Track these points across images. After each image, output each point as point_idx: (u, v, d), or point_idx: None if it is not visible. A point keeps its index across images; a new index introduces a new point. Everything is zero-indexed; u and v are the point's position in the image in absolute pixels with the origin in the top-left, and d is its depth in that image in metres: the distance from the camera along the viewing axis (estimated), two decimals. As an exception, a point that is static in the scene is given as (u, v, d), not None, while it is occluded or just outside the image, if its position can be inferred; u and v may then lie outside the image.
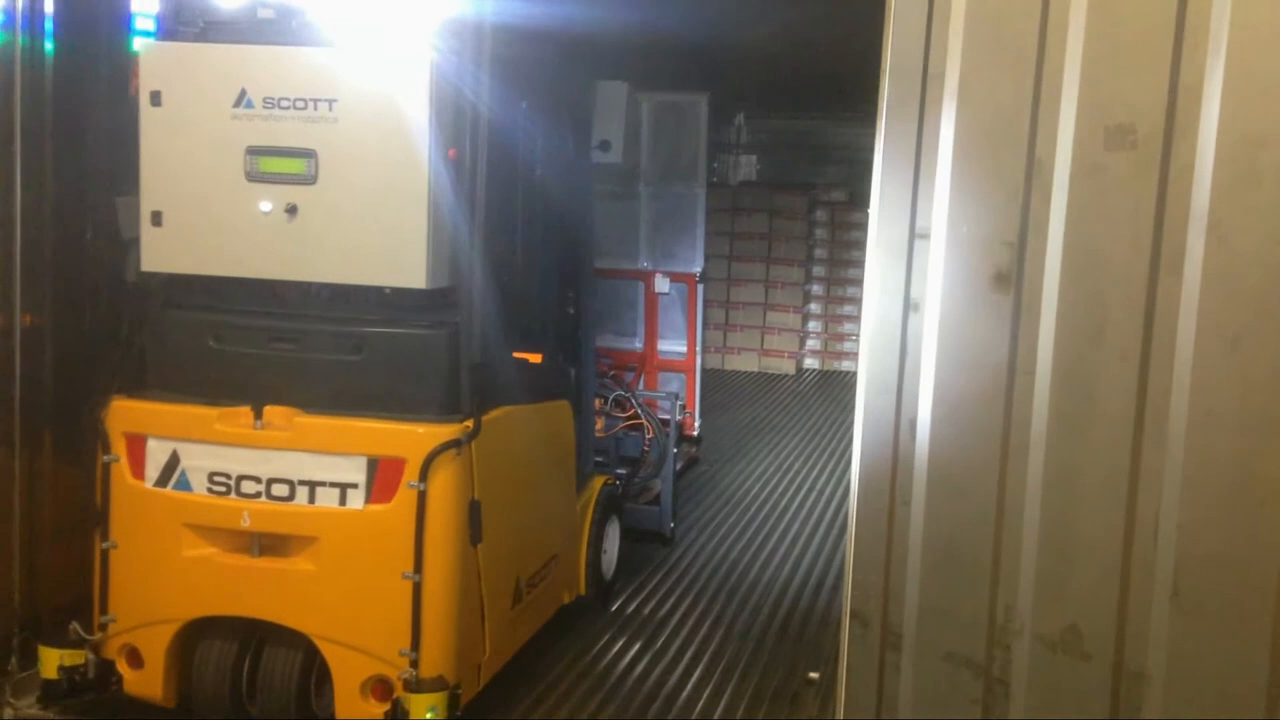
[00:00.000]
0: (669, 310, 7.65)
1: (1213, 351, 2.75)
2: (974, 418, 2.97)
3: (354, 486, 3.88)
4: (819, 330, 12.96)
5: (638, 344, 7.65)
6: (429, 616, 3.89)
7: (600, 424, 5.96)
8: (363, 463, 3.89)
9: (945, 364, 2.98)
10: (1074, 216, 2.82)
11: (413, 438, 3.87)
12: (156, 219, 4.05)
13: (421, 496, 3.82)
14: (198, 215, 4.05)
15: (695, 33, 7.33)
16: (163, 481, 4.05)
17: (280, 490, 3.94)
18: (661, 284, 7.46)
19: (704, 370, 12.29)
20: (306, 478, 3.91)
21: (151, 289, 4.25)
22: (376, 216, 3.91)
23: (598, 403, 5.91)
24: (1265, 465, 2.73)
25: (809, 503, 7.68)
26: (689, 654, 5.15)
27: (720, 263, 12.60)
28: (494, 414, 4.15)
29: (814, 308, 12.94)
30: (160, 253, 4.10)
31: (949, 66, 2.92)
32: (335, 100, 3.86)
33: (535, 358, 4.68)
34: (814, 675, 4.90)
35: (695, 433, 7.95)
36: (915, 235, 3.01)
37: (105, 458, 4.08)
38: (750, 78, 10.07)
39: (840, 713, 3.28)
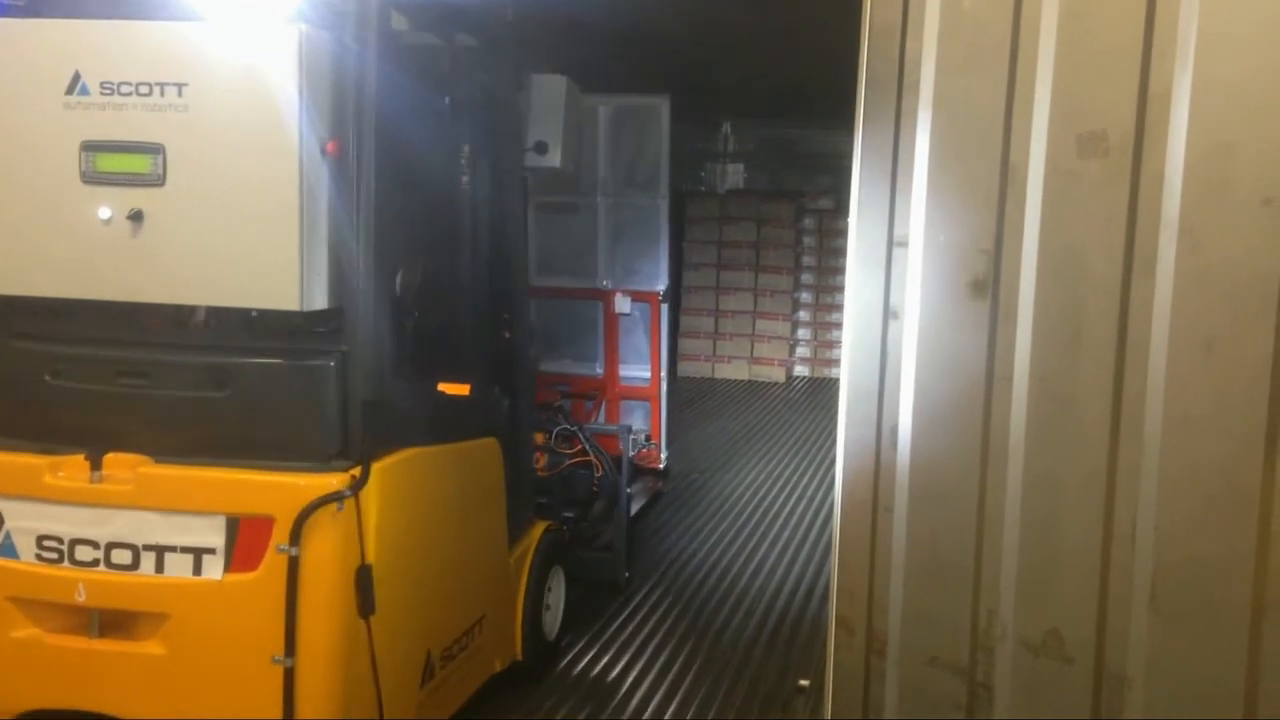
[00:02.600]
0: (631, 332, 6.90)
1: (1187, 356, 2.72)
2: (954, 424, 2.94)
3: (210, 552, 3.18)
4: (808, 338, 12.58)
5: (598, 369, 6.92)
6: (305, 709, 3.16)
7: (543, 461, 5.21)
8: (220, 523, 3.18)
9: (925, 371, 2.96)
10: (1048, 223, 2.81)
11: (281, 491, 3.15)
12: None
13: (293, 563, 3.11)
14: (27, 225, 3.31)
15: (672, 35, 6.84)
16: None
17: (121, 557, 3.22)
18: (622, 304, 6.70)
19: (695, 379, 12.75)
20: (153, 541, 3.20)
21: None
22: (238, 224, 3.20)
23: (540, 437, 5.20)
24: (1241, 469, 2.70)
25: (799, 510, 7.43)
26: (671, 671, 4.87)
27: (709, 271, 12.34)
28: (391, 459, 3.41)
29: (803, 315, 12.55)
30: None
31: (924, 75, 2.90)
32: (185, 84, 3.16)
33: (462, 389, 3.98)
34: (804, 683, 4.89)
35: (662, 465, 7.15)
36: (894, 243, 2.99)
37: None
38: (735, 85, 10.11)
39: (828, 717, 3.30)
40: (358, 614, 3.24)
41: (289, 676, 3.14)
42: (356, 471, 3.24)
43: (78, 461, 3.27)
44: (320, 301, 3.25)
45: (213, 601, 3.20)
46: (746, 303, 12.31)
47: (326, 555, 3.18)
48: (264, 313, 3.28)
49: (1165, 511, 2.77)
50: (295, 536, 3.11)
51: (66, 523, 3.25)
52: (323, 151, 3.20)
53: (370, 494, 3.27)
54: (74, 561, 3.25)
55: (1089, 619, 2.87)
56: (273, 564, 3.14)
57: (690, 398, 11.19)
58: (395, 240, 3.59)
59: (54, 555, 3.25)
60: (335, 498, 3.15)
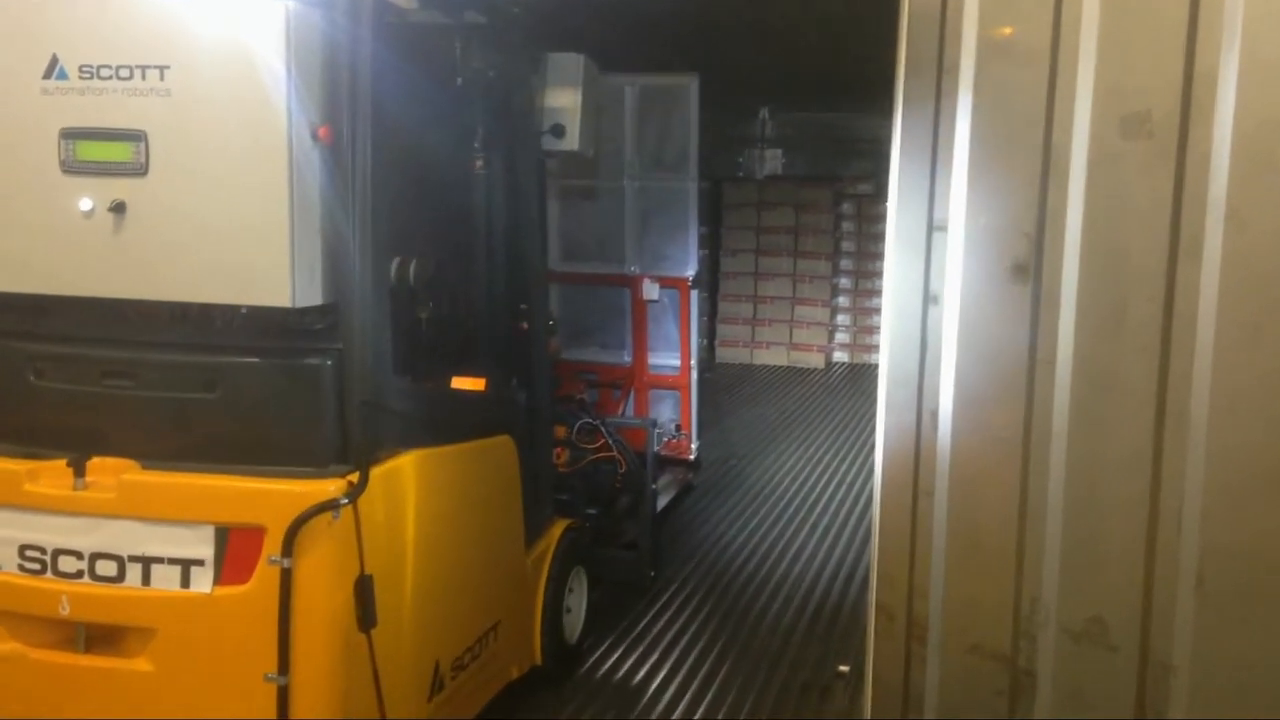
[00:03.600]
0: (660, 320, 6.61)
1: (1233, 339, 2.67)
2: (995, 408, 2.88)
3: (199, 564, 2.97)
4: (847, 323, 12.36)
5: (627, 358, 6.62)
6: None
7: (564, 457, 4.98)
8: (209, 533, 2.96)
9: (965, 356, 2.90)
10: (1091, 206, 2.75)
11: (272, 500, 2.93)
12: None
13: (286, 575, 2.88)
14: (7, 219, 3.12)
15: (706, 19, 6.55)
16: None
17: (106, 569, 3.01)
18: (650, 290, 6.42)
19: (733, 365, 12.72)
20: (139, 552, 2.99)
21: None
22: (225, 216, 2.98)
23: (561, 431, 4.96)
24: (1290, 453, 2.71)
25: (838, 495, 7.29)
26: (704, 665, 4.74)
27: (747, 257, 12.16)
28: (394, 462, 3.21)
29: (842, 301, 12.33)
30: None
31: (964, 58, 2.83)
32: (167, 66, 2.94)
33: (477, 384, 3.77)
34: (844, 669, 4.87)
35: (692, 456, 6.88)
36: (933, 227, 2.92)
37: None
38: (772, 70, 10.03)
39: (868, 706, 3.28)
40: (357, 627, 3.01)
41: (283, 696, 2.91)
42: (354, 477, 3.00)
43: (60, 467, 3.03)
44: (314, 297, 3.03)
45: (202, 616, 2.98)
46: (785, 289, 12.16)
47: (322, 567, 2.95)
48: (255, 309, 3.04)
49: (1211, 496, 2.72)
50: (288, 547, 2.89)
51: (48, 532, 3.05)
52: (314, 137, 2.97)
53: (371, 500, 3.04)
54: (57, 573, 3.04)
55: (1133, 606, 2.82)
56: (265, 576, 2.92)
57: (729, 384, 11.01)
58: (398, 230, 3.40)
59: (36, 566, 3.05)
60: (330, 506, 2.92)
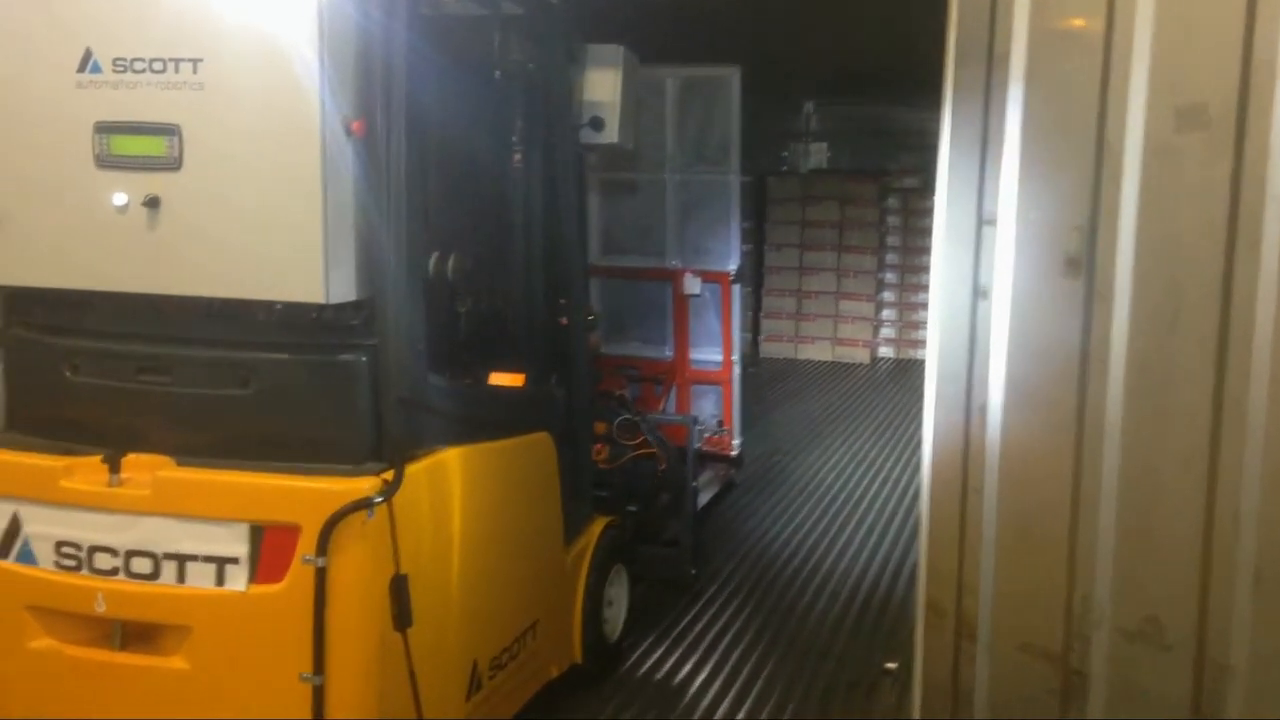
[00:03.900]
0: (702, 314, 6.52)
1: None
2: (1046, 405, 2.87)
3: (234, 562, 2.94)
4: (893, 318, 12.21)
5: (668, 352, 6.54)
6: None
7: (604, 453, 4.91)
8: (243, 531, 2.93)
9: (1016, 351, 2.89)
10: (1146, 199, 2.72)
11: (306, 498, 2.90)
12: None
13: (320, 575, 2.85)
14: (42, 214, 3.09)
15: (749, 10, 6.54)
16: (3, 552, 3.12)
17: (141, 566, 2.99)
18: (691, 284, 6.31)
19: (777, 360, 12.66)
20: (174, 550, 2.96)
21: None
22: (258, 211, 2.95)
23: (601, 427, 4.90)
24: (1350, 450, 2.65)
25: (884, 491, 7.21)
26: (748, 662, 4.68)
27: (791, 252, 12.05)
28: (430, 460, 3.17)
29: (888, 296, 12.19)
30: (1, 262, 3.16)
31: (1015, 48, 2.81)
32: (200, 59, 2.91)
33: (516, 380, 3.76)
34: (891, 665, 4.83)
35: (734, 452, 6.76)
36: (983, 221, 2.89)
37: None
38: (816, 63, 9.98)
39: (917, 703, 3.25)
40: (393, 627, 2.97)
41: (318, 696, 2.88)
42: (389, 475, 2.96)
43: (95, 464, 3.01)
44: (347, 293, 2.99)
45: (237, 615, 2.95)
46: (830, 283, 12.06)
47: (357, 566, 2.91)
48: (289, 305, 3.01)
49: (1270, 494, 2.67)
50: (322, 547, 2.85)
51: (84, 528, 3.03)
52: (347, 131, 2.93)
53: (406, 498, 2.99)
54: (93, 570, 3.02)
55: (1190, 605, 2.78)
56: (299, 575, 2.89)
57: (773, 379, 10.94)
58: (437, 225, 3.37)
59: (72, 563, 3.04)
60: (364, 505, 2.88)
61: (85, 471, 3.04)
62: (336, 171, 2.93)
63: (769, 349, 12.12)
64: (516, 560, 3.72)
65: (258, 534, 2.94)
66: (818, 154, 13.94)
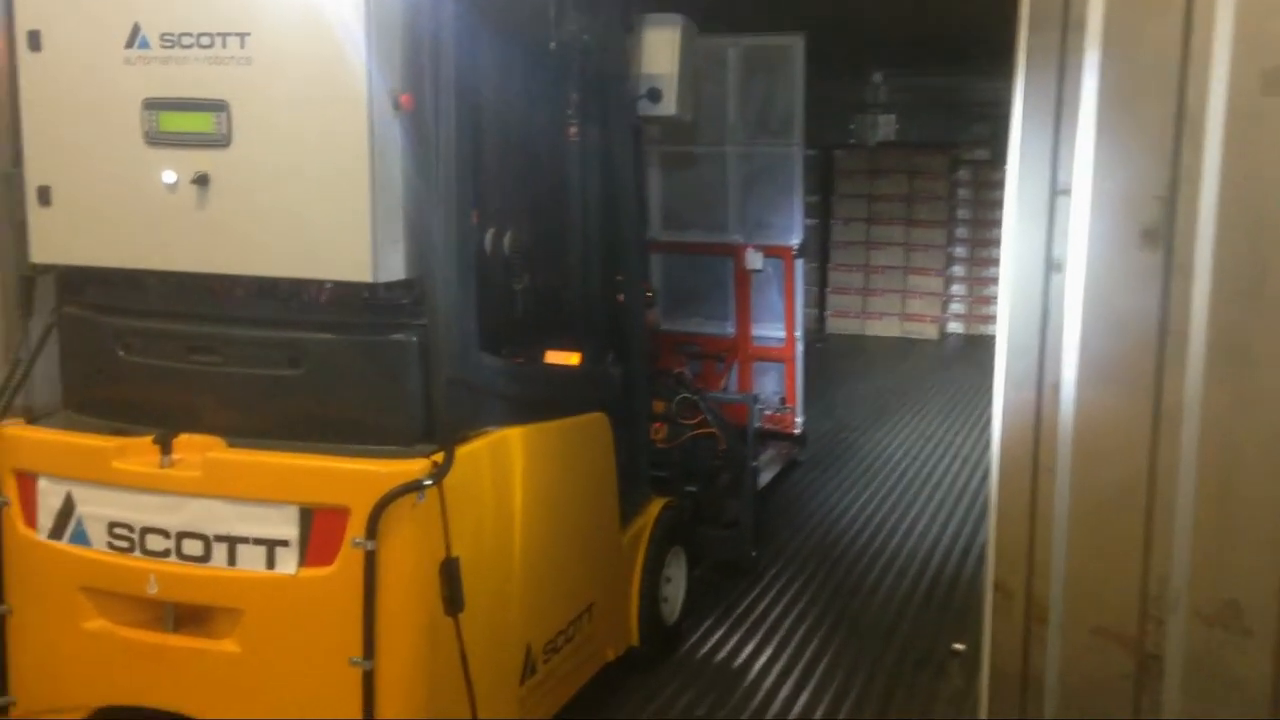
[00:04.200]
0: (764, 290, 6.39)
1: None
2: (1122, 382, 2.78)
3: (284, 544, 2.89)
4: (963, 293, 12.07)
5: (730, 329, 6.43)
6: (387, 713, 2.85)
7: (663, 432, 4.87)
8: (293, 513, 2.89)
9: (1090, 326, 2.80)
10: (1229, 167, 2.61)
11: (356, 480, 2.84)
12: (44, 196, 3.11)
13: (370, 558, 2.79)
14: (92, 192, 3.06)
15: None
16: (57, 533, 3.09)
17: (193, 548, 2.95)
18: (753, 259, 6.17)
19: (844, 336, 12.31)
20: (224, 532, 2.92)
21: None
22: (305, 189, 2.89)
23: (660, 406, 4.84)
24: None
25: (954, 468, 7.12)
26: (812, 641, 4.62)
27: (859, 226, 11.92)
28: (482, 441, 3.11)
29: (957, 270, 12.05)
30: (51, 240, 3.15)
31: (1090, 12, 2.72)
32: (248, 33, 2.86)
33: (571, 359, 3.70)
34: (959, 646, 4.76)
35: (797, 431, 6.66)
36: (1056, 192, 2.80)
37: None
38: (885, 32, 9.81)
39: (984, 687, 3.20)
40: (444, 611, 2.92)
41: (368, 680, 2.84)
42: (439, 457, 2.89)
43: (146, 445, 2.99)
44: (396, 271, 2.93)
45: (287, 597, 2.91)
46: (898, 258, 11.89)
47: (407, 549, 2.85)
48: (339, 284, 2.96)
49: (1357, 472, 2.59)
50: (372, 530, 2.79)
51: (136, 510, 3.00)
52: (395, 105, 2.86)
53: (458, 480, 2.92)
54: (145, 551, 2.99)
55: (1271, 589, 2.69)
56: (349, 558, 2.84)
57: (840, 355, 10.83)
58: (491, 200, 3.31)
59: (125, 544, 3.01)
60: (414, 487, 2.81)
61: (137, 452, 3.02)
62: (384, 147, 2.87)
63: (836, 325, 12.00)
64: (571, 542, 3.66)
65: (307, 516, 2.90)
66: (886, 126, 13.72)
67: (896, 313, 11.94)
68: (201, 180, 2.94)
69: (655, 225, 6.28)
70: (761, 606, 4.98)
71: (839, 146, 12.52)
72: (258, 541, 2.93)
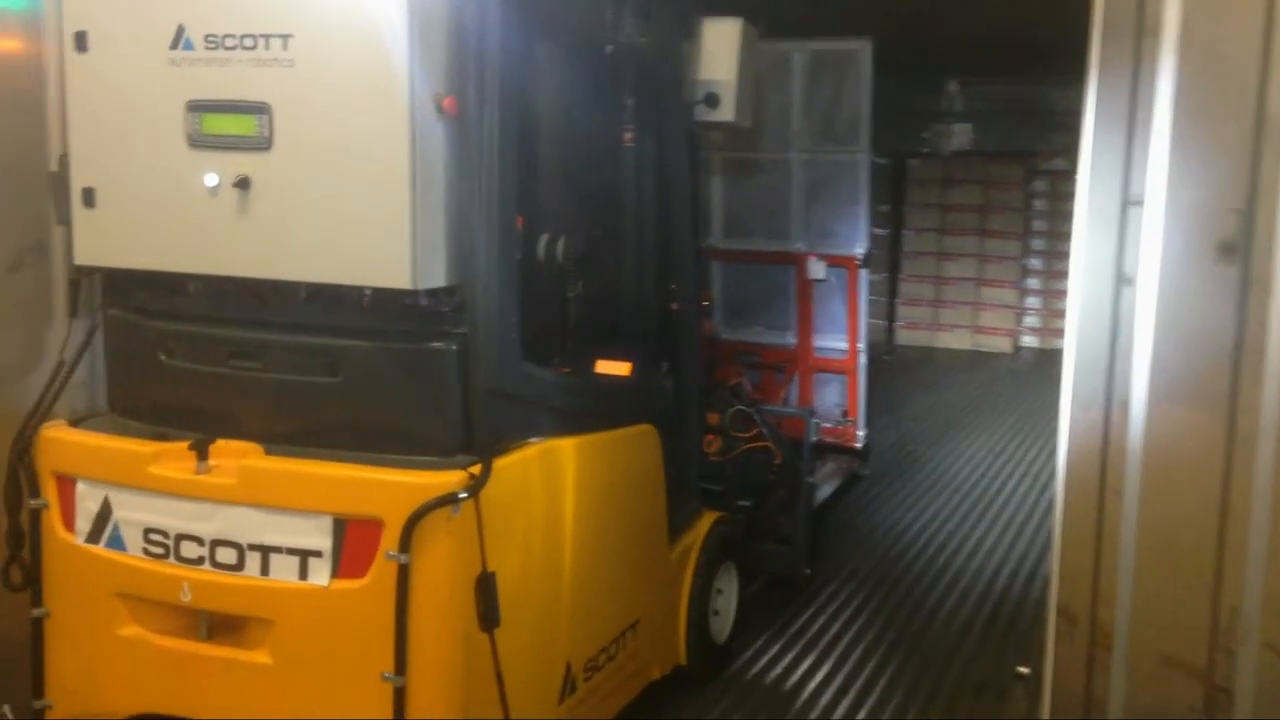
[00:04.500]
0: (827, 300, 6.24)
1: None
2: (1195, 401, 2.71)
3: (317, 555, 2.85)
4: (1037, 306, 11.79)
5: (791, 339, 6.30)
6: None
7: (716, 445, 4.76)
8: (327, 524, 2.84)
9: (1162, 342, 2.72)
10: (1312, 179, 2.56)
11: (390, 492, 2.79)
12: (88, 198, 3.09)
13: (403, 572, 2.73)
14: (135, 194, 3.04)
15: None
16: (94, 537, 3.07)
17: (226, 556, 2.92)
18: (816, 269, 6.04)
19: (913, 348, 12.11)
20: (258, 541, 2.89)
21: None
22: (346, 194, 2.85)
23: (714, 418, 4.74)
24: None
25: (1023, 487, 6.96)
26: (869, 662, 4.51)
27: (930, 236, 11.74)
28: (521, 453, 3.05)
29: (1032, 283, 11.78)
30: (94, 242, 3.13)
31: (1167, 17, 2.65)
32: (290, 35, 2.83)
33: (622, 369, 3.61)
34: (1023, 670, 4.66)
35: (859, 445, 6.46)
36: (1129, 202, 2.73)
37: (33, 503, 3.11)
38: (963, 35, 9.67)
39: (1045, 712, 3.11)
40: (479, 627, 2.84)
41: (399, 697, 2.78)
42: (476, 469, 2.82)
43: (182, 450, 2.96)
44: (437, 278, 2.88)
45: (319, 610, 2.86)
46: (970, 269, 11.67)
47: (441, 563, 2.79)
48: (379, 290, 2.90)
49: None
50: (405, 543, 2.73)
51: (171, 516, 2.97)
52: (438, 109, 2.80)
53: (495, 493, 2.85)
54: (179, 558, 2.96)
55: (1349, 621, 2.61)
56: (382, 571, 2.78)
57: (908, 367, 10.66)
58: (542, 206, 3.26)
59: (160, 550, 2.98)
60: (449, 500, 2.75)
61: (173, 457, 2.99)
62: (426, 151, 2.81)
63: (905, 336, 11.82)
64: (616, 558, 3.57)
65: (341, 527, 2.85)
66: (961, 135, 13.48)
67: (968, 325, 11.74)
68: (243, 183, 2.91)
69: (717, 233, 6.19)
70: (818, 625, 4.87)
71: (913, 155, 12.35)
72: (291, 551, 2.88)
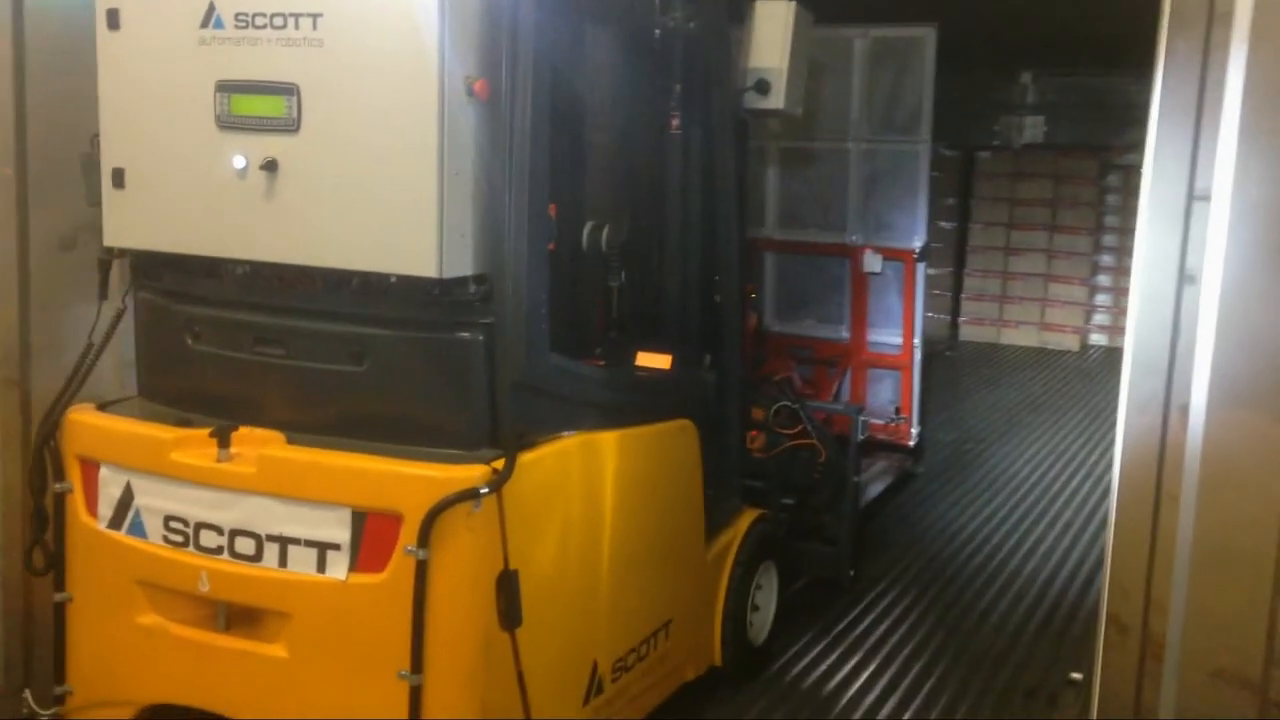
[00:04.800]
0: (883, 293, 6.10)
1: None
2: (1259, 405, 2.59)
3: (335, 548, 2.78)
4: (1108, 304, 11.46)
5: (844, 333, 6.18)
6: None
7: (760, 441, 4.62)
8: (346, 516, 2.77)
9: (1225, 344, 2.61)
10: (1390, 172, 2.45)
11: (409, 485, 2.71)
12: (118, 179, 3.05)
13: (421, 567, 2.66)
14: (164, 175, 2.99)
15: None
16: (116, 523, 3.02)
17: (245, 546, 2.85)
18: (871, 262, 5.93)
19: (977, 344, 11.84)
20: (276, 532, 2.82)
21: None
22: (372, 178, 2.78)
23: (760, 413, 4.62)
24: None
25: (1084, 489, 6.79)
26: (915, 665, 4.40)
27: (998, 231, 11.50)
28: (550, 447, 2.97)
29: (1103, 280, 11.46)
30: (124, 223, 3.08)
31: (1239, 4, 2.53)
32: (320, 14, 2.75)
33: (662, 361, 3.51)
34: (1076, 676, 4.56)
35: (912, 443, 6.30)
36: (1194, 197, 2.63)
37: (58, 486, 3.07)
38: (1037, 25, 9.45)
39: (1094, 721, 3.04)
40: (499, 626, 2.76)
41: (415, 696, 2.70)
42: (500, 464, 2.73)
43: (203, 437, 2.90)
44: (464, 267, 2.79)
45: (336, 604, 2.79)
46: (1039, 265, 11.40)
47: (461, 560, 2.71)
48: (405, 278, 2.81)
49: None
50: (424, 538, 2.65)
51: (192, 504, 2.91)
52: (469, 92, 2.71)
53: (520, 488, 2.77)
54: (198, 547, 2.90)
55: None
56: (401, 566, 2.70)
57: (971, 363, 10.44)
58: (584, 194, 3.19)
59: (180, 539, 2.93)
60: (469, 495, 2.67)
61: (195, 445, 2.93)
62: (456, 135, 2.72)
63: (969, 332, 11.59)
64: (648, 556, 3.46)
65: (360, 520, 2.77)
66: (1033, 128, 13.23)
67: (1035, 322, 11.50)
68: (270, 166, 2.85)
69: (771, 223, 6.08)
70: (864, 625, 4.76)
71: (983, 148, 12.13)
72: (309, 543, 2.82)
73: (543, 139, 2.86)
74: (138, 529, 3.00)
